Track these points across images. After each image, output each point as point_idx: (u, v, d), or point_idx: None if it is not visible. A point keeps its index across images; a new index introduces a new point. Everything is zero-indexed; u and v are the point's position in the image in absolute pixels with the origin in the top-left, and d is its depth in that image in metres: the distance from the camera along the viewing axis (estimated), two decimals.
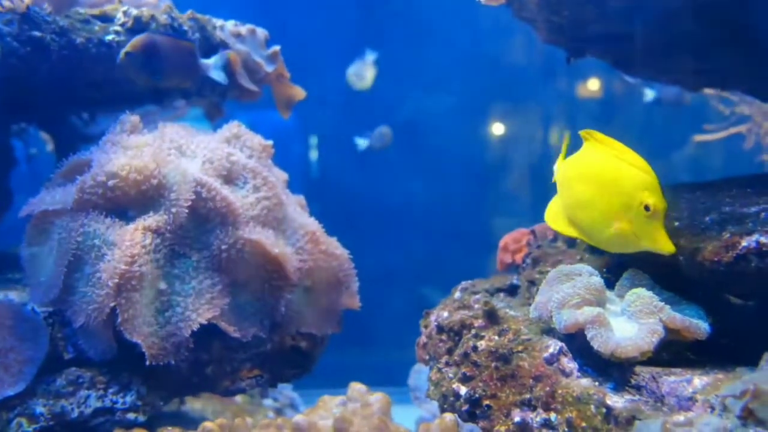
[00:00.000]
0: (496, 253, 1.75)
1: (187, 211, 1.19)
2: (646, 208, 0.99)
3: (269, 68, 1.74)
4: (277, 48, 1.82)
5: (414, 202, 3.89)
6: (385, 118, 3.91)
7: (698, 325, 0.99)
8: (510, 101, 4.03)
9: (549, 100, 4.02)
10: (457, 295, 1.34)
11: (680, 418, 0.90)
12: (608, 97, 3.90)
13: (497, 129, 4.09)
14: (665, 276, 1.07)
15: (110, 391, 1.17)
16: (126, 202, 1.22)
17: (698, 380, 0.94)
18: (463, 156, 3.98)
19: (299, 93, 1.81)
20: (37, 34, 1.42)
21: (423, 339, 1.30)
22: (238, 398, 2.11)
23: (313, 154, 4.03)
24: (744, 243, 0.95)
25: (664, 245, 0.99)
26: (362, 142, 3.19)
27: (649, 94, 2.91)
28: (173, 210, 1.18)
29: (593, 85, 3.95)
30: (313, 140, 4.03)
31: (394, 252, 3.53)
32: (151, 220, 1.17)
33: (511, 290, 1.41)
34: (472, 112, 4.03)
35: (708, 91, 2.52)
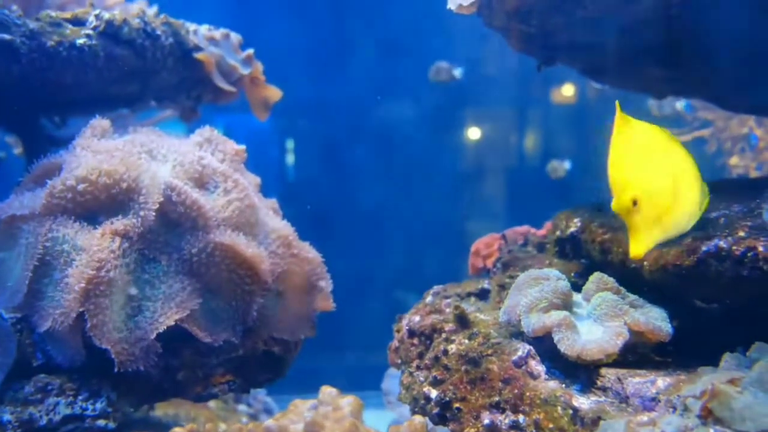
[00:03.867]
0: (469, 258, 1.76)
1: (155, 214, 1.18)
2: None
3: (244, 71, 1.74)
4: (251, 51, 1.82)
5: (388, 207, 3.90)
6: (361, 123, 3.93)
7: (661, 328, 1.01)
8: (483, 107, 4.07)
9: (522, 106, 4.07)
10: (428, 299, 1.35)
11: (644, 418, 0.92)
12: (580, 102, 3.97)
13: (471, 135, 4.12)
14: (630, 280, 1.10)
15: (80, 397, 1.16)
16: (96, 207, 1.21)
17: (661, 381, 0.97)
18: (436, 161, 4.01)
19: (275, 94, 1.81)
20: (6, 36, 1.40)
21: (395, 343, 1.31)
22: (212, 404, 2.09)
23: (289, 159, 4.03)
24: (704, 248, 0.98)
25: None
26: (457, 73, 3.21)
27: None
28: (141, 213, 1.18)
29: (567, 91, 4.01)
30: (289, 144, 4.03)
31: (367, 256, 3.54)
32: (119, 223, 1.17)
33: (482, 294, 1.42)
34: (446, 118, 4.06)
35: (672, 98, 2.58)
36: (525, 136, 4.10)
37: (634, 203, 0.95)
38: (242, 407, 2.35)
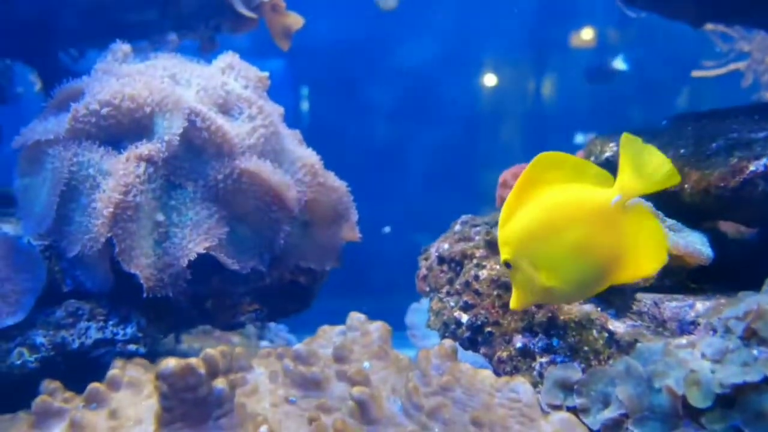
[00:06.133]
0: (490, 202, 1.73)
1: (179, 138, 1.15)
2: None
3: None
4: None
5: (410, 150, 3.87)
6: (381, 65, 3.85)
7: (701, 251, 0.99)
8: (508, 49, 3.97)
9: (544, 49, 3.97)
10: (457, 228, 1.33)
11: (683, 341, 0.91)
12: (601, 47, 3.87)
13: (492, 77, 4.04)
14: (668, 204, 1.07)
15: (110, 322, 1.17)
16: (119, 131, 1.18)
17: (700, 305, 0.95)
18: (458, 104, 3.95)
19: (297, 21, 1.74)
20: None
21: (423, 271, 1.29)
22: (235, 339, 2.11)
23: (306, 104, 3.98)
24: (752, 167, 0.94)
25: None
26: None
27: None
28: (166, 138, 1.15)
29: (587, 34, 3.90)
30: (305, 89, 3.97)
31: (389, 200, 3.52)
32: (144, 148, 1.14)
33: None
34: (469, 59, 3.98)
35: (709, 27, 2.47)
36: (543, 79, 4.01)
37: (508, 265, 0.86)
38: (265, 344, 2.37)
